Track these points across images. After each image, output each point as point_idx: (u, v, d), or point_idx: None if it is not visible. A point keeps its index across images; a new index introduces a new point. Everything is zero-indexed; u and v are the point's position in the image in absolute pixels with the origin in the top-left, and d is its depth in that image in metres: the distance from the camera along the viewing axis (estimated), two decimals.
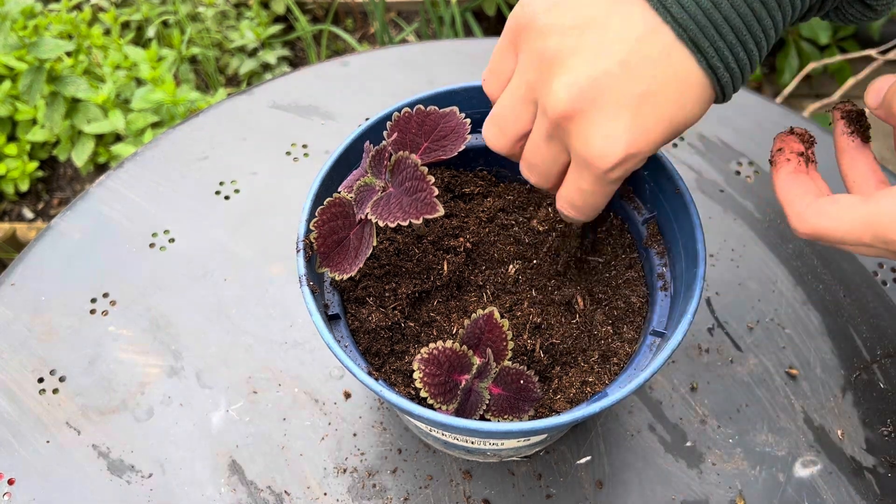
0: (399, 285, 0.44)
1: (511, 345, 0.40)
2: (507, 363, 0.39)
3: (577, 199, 0.37)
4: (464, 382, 0.38)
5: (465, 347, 0.39)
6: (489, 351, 0.39)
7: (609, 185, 0.35)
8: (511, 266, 0.45)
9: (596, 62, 0.32)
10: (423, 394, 0.37)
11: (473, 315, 0.39)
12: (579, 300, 0.45)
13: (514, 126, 0.37)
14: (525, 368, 0.40)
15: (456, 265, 0.45)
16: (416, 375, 0.37)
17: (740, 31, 0.31)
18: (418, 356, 0.38)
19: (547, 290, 0.45)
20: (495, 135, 0.38)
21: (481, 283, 0.45)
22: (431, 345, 0.38)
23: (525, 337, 0.42)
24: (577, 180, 0.36)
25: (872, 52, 1.23)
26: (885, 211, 0.32)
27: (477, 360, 0.39)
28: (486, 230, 0.47)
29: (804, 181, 0.36)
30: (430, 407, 0.39)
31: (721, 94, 0.34)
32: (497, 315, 0.39)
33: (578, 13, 0.32)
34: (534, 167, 0.38)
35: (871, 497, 0.49)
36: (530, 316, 0.43)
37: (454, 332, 0.43)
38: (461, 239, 0.46)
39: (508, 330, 0.39)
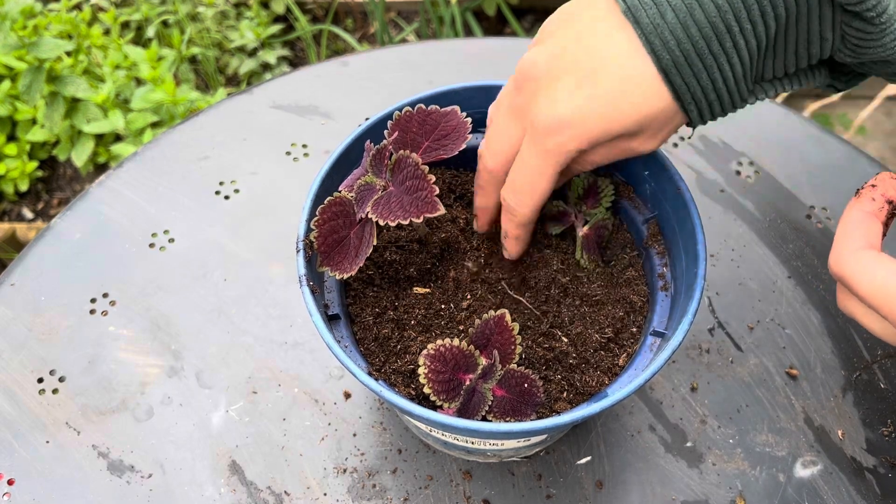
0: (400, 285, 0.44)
1: (519, 349, 0.39)
2: (513, 366, 0.39)
3: (516, 173, 0.39)
4: (468, 382, 0.38)
5: (472, 347, 0.39)
6: (496, 353, 0.39)
7: (545, 160, 0.37)
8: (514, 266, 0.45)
9: (561, 39, 0.36)
10: (426, 390, 0.37)
11: (485, 315, 0.39)
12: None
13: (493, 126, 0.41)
14: (530, 372, 0.39)
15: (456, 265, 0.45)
16: (420, 371, 0.37)
17: (679, 10, 0.33)
18: (425, 351, 0.37)
19: (548, 290, 0.45)
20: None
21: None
22: (439, 341, 0.38)
23: (527, 336, 0.42)
24: (521, 151, 0.39)
25: None
26: None
27: (483, 361, 0.39)
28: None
29: (870, 228, 0.35)
30: (431, 405, 0.39)
31: (676, 97, 0.35)
32: (508, 318, 0.39)
33: (562, 13, 0.38)
34: (490, 142, 0.41)
35: (871, 497, 0.49)
36: (530, 315, 0.43)
37: (460, 330, 0.43)
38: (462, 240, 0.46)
39: (518, 334, 0.39)
